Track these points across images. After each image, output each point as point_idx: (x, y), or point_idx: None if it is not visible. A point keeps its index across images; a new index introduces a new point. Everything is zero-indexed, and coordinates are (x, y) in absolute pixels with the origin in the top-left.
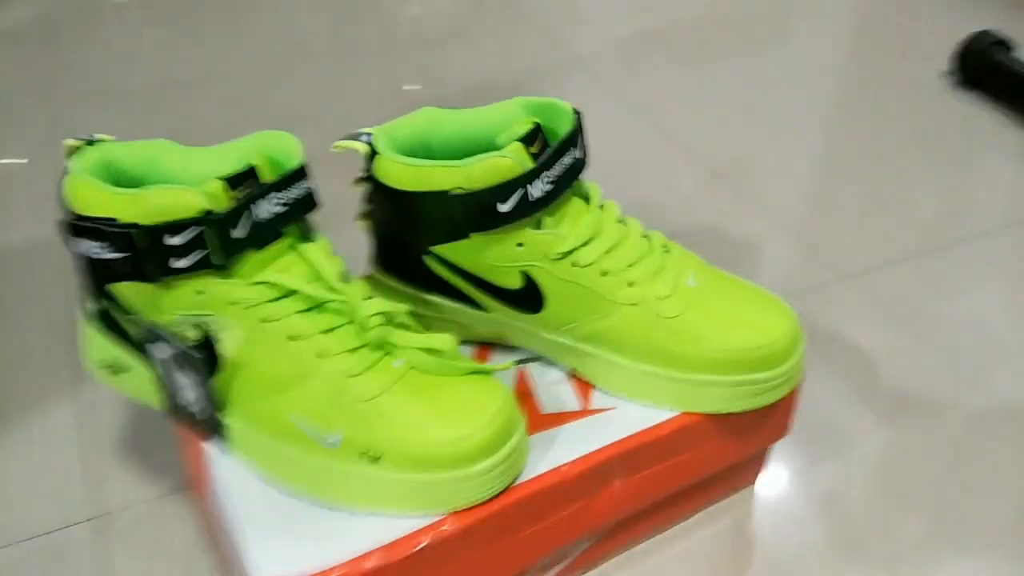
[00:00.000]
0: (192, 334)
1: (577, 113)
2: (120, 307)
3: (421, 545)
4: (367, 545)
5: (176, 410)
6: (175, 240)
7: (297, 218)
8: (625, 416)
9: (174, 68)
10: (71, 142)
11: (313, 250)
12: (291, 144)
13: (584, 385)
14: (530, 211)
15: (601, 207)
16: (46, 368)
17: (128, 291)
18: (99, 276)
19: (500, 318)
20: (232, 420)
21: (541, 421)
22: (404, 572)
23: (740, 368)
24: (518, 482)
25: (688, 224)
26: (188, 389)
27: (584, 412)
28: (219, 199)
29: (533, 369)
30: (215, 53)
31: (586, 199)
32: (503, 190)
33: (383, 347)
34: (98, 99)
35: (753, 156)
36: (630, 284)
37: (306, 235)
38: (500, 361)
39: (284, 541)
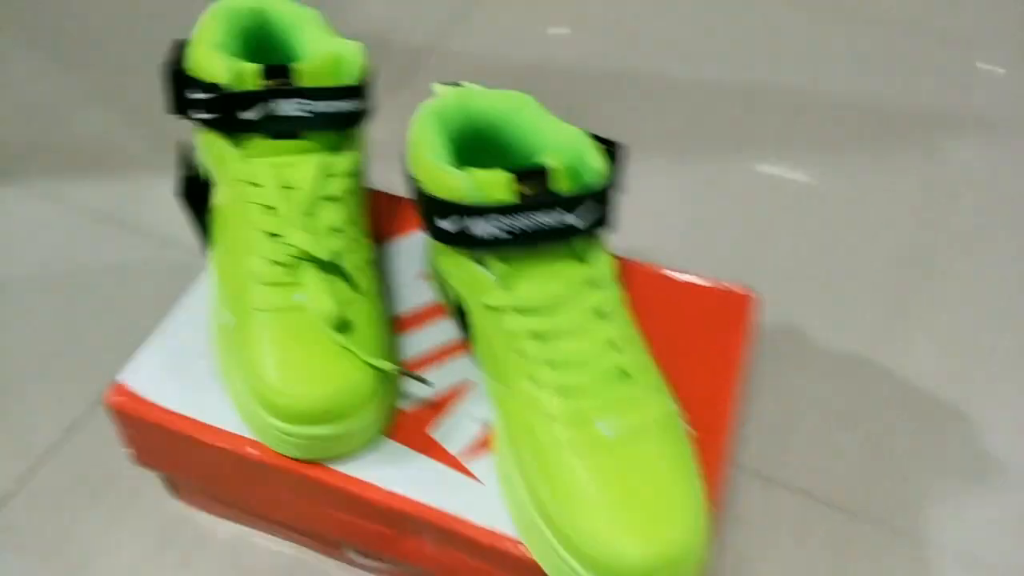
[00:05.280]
0: (203, 169)
1: (613, 159)
2: None
3: (239, 455)
4: (222, 422)
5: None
6: (196, 94)
7: (321, 128)
8: (484, 504)
9: None
10: None
11: (306, 164)
12: (352, 57)
13: (486, 443)
14: (471, 246)
15: (594, 284)
16: None
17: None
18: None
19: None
20: (214, 254)
21: (421, 440)
22: (221, 463)
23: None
24: (335, 463)
25: None
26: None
27: (457, 464)
28: (244, 80)
29: (474, 389)
30: None
31: (578, 260)
32: (442, 207)
33: (295, 278)
34: None
35: None
36: (531, 377)
37: (338, 147)
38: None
39: (175, 373)
